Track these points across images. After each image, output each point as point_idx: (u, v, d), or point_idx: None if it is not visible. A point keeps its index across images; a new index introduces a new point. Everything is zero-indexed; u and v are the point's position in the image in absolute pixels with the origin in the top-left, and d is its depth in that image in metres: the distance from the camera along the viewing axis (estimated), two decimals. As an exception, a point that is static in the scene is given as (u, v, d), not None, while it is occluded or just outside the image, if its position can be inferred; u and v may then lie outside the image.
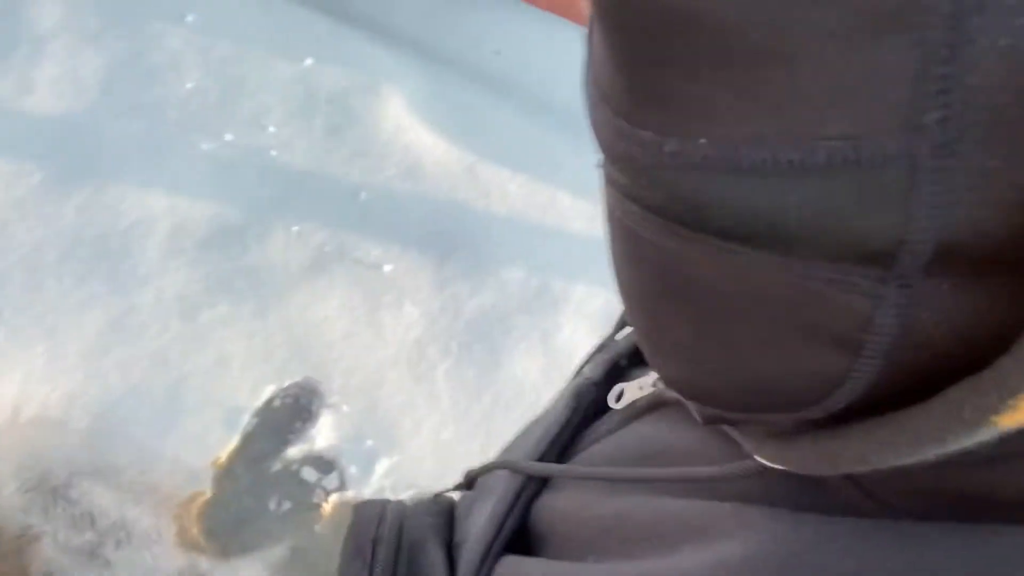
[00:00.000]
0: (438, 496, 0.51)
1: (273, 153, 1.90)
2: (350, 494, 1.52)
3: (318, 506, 1.50)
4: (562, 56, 2.27)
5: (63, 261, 1.64)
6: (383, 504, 0.49)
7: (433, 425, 1.61)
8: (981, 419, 0.16)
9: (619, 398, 0.44)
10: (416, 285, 1.77)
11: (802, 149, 0.16)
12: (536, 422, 0.51)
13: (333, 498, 1.51)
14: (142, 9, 1.99)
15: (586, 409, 0.46)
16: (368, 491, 1.52)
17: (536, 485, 0.42)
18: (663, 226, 0.20)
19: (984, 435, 0.16)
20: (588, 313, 1.82)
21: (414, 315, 1.73)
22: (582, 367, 0.51)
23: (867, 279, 0.18)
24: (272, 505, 1.50)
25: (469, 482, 0.51)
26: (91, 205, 1.72)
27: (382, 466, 1.55)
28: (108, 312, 1.60)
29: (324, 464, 1.55)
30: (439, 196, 1.93)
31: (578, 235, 1.95)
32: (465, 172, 1.98)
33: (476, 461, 1.56)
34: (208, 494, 1.48)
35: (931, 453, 0.18)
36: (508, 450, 0.52)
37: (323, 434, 1.56)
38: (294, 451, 1.54)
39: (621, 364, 0.48)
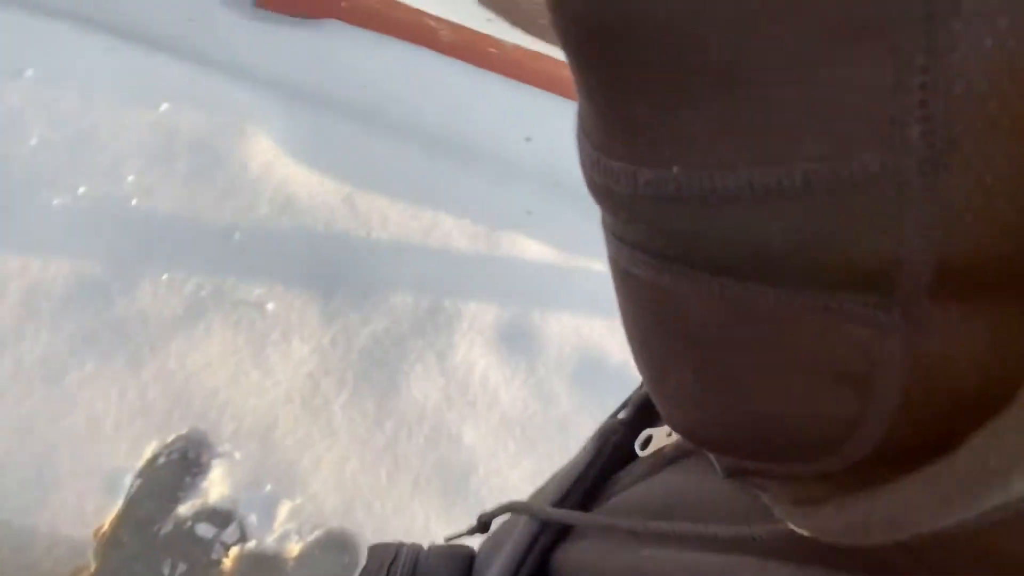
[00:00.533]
0: (454, 544, 0.49)
1: (134, 202, 1.80)
2: (252, 544, 1.42)
3: (218, 563, 1.40)
4: (426, 84, 2.30)
5: (-101, 337, 1.48)
6: (396, 547, 0.46)
7: (334, 460, 1.54)
8: (1009, 467, 0.14)
9: (646, 443, 0.42)
10: (303, 320, 1.72)
11: (778, 173, 0.15)
12: (568, 464, 0.48)
13: (234, 551, 1.41)
14: (-27, 65, 1.87)
15: (613, 450, 0.44)
16: (271, 538, 1.43)
17: (555, 532, 0.40)
18: (652, 263, 0.19)
19: (1019, 485, 0.14)
20: (481, 328, 1.82)
21: (304, 351, 1.67)
22: (623, 404, 0.48)
23: (867, 306, 0.16)
24: (166, 570, 1.38)
25: (483, 525, 0.49)
26: (-71, 275, 1.57)
27: (284, 509, 1.47)
28: (-42, 387, 1.45)
29: (220, 517, 1.45)
30: (318, 229, 1.88)
31: (464, 253, 1.95)
32: (342, 203, 1.95)
33: (383, 491, 1.50)
34: (92, 567, 1.35)
35: (966, 513, 0.15)
36: (538, 492, 0.50)
37: (216, 486, 1.47)
38: (185, 508, 1.44)
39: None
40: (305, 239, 1.85)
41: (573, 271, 2.00)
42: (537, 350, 1.82)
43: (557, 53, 2.18)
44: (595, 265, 2.01)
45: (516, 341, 1.82)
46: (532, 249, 2.01)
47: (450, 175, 2.08)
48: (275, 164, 1.97)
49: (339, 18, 2.37)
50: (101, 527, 1.38)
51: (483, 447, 1.63)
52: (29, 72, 1.92)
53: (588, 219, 2.24)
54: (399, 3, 2.37)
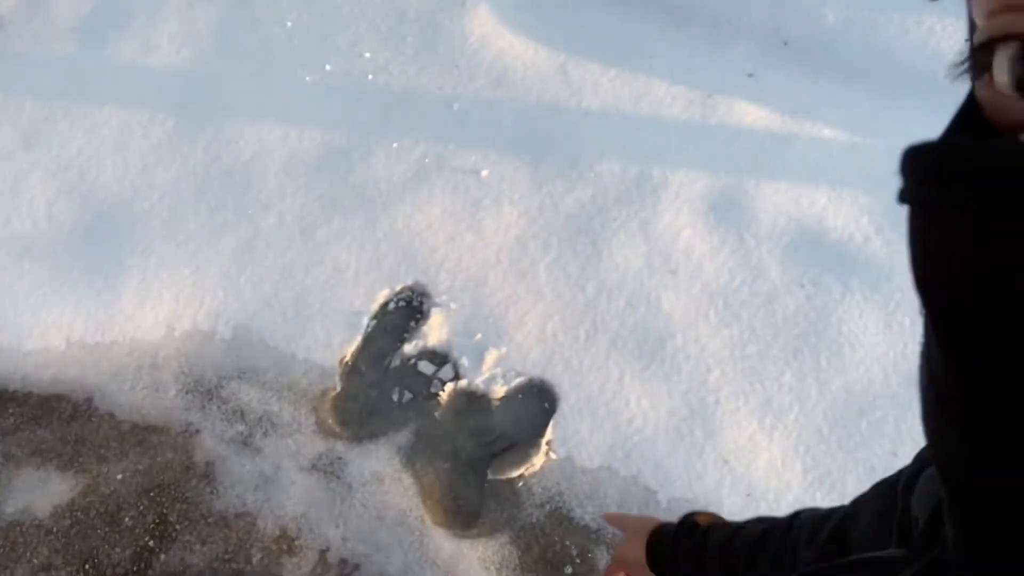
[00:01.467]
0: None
1: (370, 77, 1.98)
2: (463, 383, 1.60)
3: (436, 395, 1.60)
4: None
5: (198, 195, 1.82)
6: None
7: (537, 317, 1.66)
8: None
9: None
10: (513, 186, 1.81)
11: None
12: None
13: (449, 387, 1.61)
14: (240, -42, 2.13)
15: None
16: (480, 379, 1.60)
17: None
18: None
19: None
20: (689, 197, 1.79)
21: (513, 215, 1.78)
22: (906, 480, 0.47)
23: None
24: (395, 396, 1.62)
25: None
26: (216, 143, 1.89)
27: (491, 357, 1.62)
28: (239, 236, 1.77)
29: (438, 358, 1.65)
30: (531, 99, 1.94)
31: (675, 121, 1.90)
32: (555, 73, 1.98)
33: (581, 348, 1.59)
34: (338, 389, 1.62)
35: None
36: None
37: (434, 331, 1.66)
38: (410, 347, 1.65)
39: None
40: (518, 109, 1.92)
41: (795, 138, 1.86)
42: (748, 221, 1.76)
43: None
44: (821, 131, 1.85)
45: (725, 211, 1.77)
46: (751, 114, 1.89)
47: (666, 38, 2.01)
48: (493, 36, 2.04)
49: None
50: (344, 357, 1.64)
51: (682, 315, 1.65)
52: (285, -39, 2.14)
53: (815, 80, 2.04)
54: None
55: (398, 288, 1.71)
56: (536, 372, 1.60)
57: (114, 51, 2.02)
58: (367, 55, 2.01)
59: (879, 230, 1.71)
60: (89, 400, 1.61)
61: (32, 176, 1.84)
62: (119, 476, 1.53)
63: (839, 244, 1.72)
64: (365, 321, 1.67)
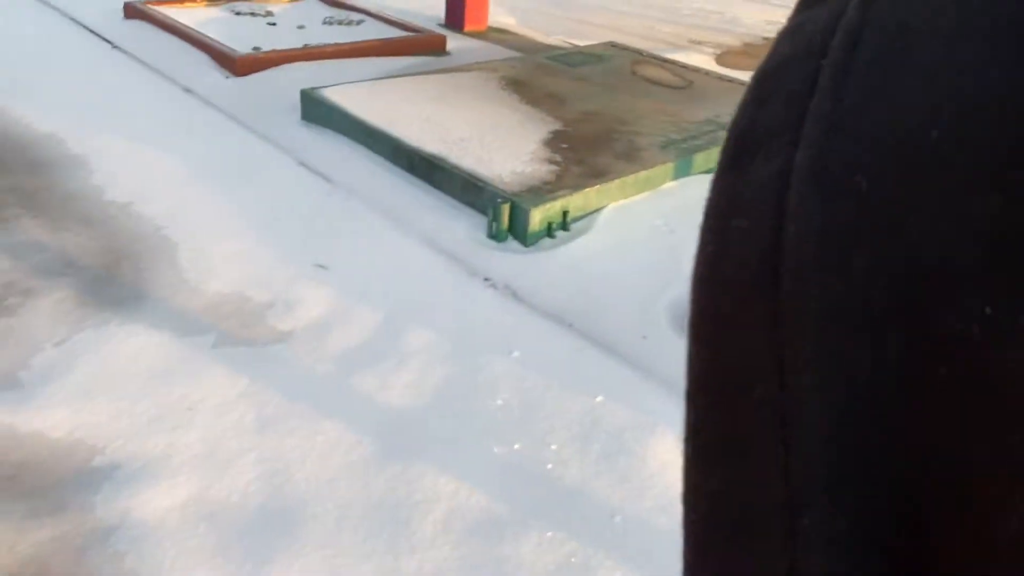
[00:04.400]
0: None
1: (549, 467, 2.15)
2: None
3: None
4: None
5: (362, 517, 1.98)
6: None
7: None
8: None
9: None
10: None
11: None
12: None
13: None
14: (482, 342, 2.56)
15: None
16: None
17: None
18: None
19: None
20: None
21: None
22: None
23: None
24: None
25: None
26: (398, 479, 2.10)
27: None
28: (379, 568, 1.86)
29: None
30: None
31: None
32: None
33: None
34: None
35: None
36: None
37: None
38: None
39: None
40: (676, 540, 1.93)
41: None
42: None
43: None
44: None
45: None
46: None
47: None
48: (672, 466, 2.15)
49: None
50: None
51: None
52: (515, 353, 2.53)
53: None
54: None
55: None
56: None
57: (358, 380, 2.43)
58: (553, 447, 2.21)
59: None
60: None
61: (250, 455, 2.15)
62: None
63: None
64: None
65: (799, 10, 0.20)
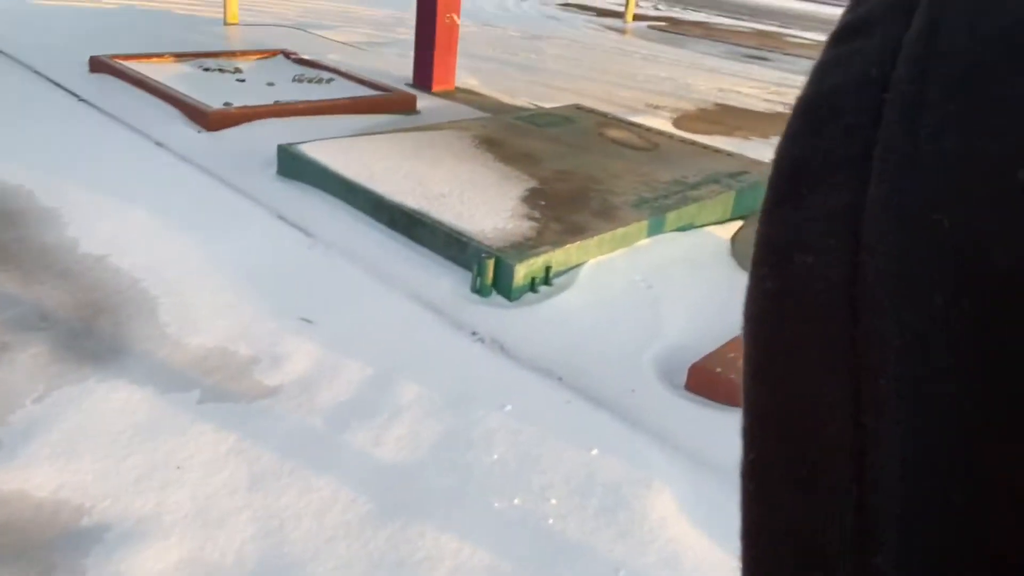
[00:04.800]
0: None
1: (550, 521, 2.14)
2: None
3: None
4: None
5: (363, 574, 1.94)
6: None
7: None
8: None
9: None
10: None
11: None
12: None
13: None
14: (474, 395, 2.56)
15: None
16: None
17: None
18: None
19: None
20: None
21: None
22: None
23: None
24: None
25: None
26: (397, 538, 2.06)
27: None
28: (384, 629, 1.81)
29: None
30: (695, 589, 1.96)
31: None
32: (728, 574, 2.02)
33: None
34: None
35: None
36: None
37: None
38: None
39: None
40: (682, 594, 1.94)
41: None
42: None
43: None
44: None
45: None
46: None
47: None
48: (671, 520, 2.17)
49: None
50: None
51: None
52: (508, 407, 2.54)
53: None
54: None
55: None
56: None
57: (350, 435, 2.40)
58: (553, 501, 2.20)
59: None
60: None
61: (243, 514, 2.09)
62: None
63: None
64: None
65: (835, 43, 0.20)
